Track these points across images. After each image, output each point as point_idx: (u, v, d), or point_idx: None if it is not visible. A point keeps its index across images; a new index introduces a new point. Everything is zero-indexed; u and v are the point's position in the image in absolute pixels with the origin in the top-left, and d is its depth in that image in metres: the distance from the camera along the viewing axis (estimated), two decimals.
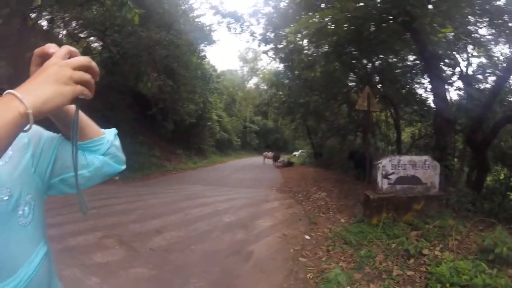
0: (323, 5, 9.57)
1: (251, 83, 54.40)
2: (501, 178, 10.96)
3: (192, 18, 19.35)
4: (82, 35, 16.79)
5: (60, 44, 0.77)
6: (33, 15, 12.15)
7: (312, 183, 13.44)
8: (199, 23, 19.88)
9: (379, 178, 6.58)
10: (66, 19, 15.07)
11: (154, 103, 17.34)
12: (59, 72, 0.67)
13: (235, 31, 13.46)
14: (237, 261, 4.81)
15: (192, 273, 4.25)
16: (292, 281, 4.22)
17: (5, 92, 0.62)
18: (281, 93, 18.41)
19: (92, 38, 17.34)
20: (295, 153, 29.58)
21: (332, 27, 8.70)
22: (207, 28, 20.25)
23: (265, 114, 41.65)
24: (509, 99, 11.15)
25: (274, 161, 26.47)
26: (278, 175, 18.31)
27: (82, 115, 0.92)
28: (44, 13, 13.42)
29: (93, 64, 0.75)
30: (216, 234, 6.07)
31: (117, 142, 1.05)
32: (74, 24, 15.90)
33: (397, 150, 14.07)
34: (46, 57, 0.73)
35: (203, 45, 21.61)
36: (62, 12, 13.85)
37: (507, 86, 10.74)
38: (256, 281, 4.18)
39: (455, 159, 12.16)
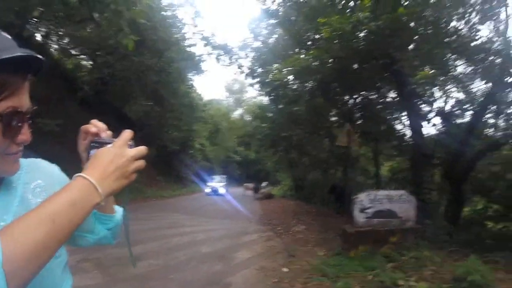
0: (309, 42, 10.08)
1: (236, 114, 55.06)
2: (478, 208, 11.28)
3: (184, 47, 19.85)
4: (74, 52, 16.90)
5: (51, 57, 0.87)
6: (29, 27, 12.26)
7: (292, 216, 13.46)
8: (190, 52, 20.38)
9: (356, 212, 6.79)
10: (61, 33, 15.22)
11: (139, 127, 17.38)
12: (127, 166, 0.76)
13: (224, 62, 13.92)
14: None
15: None
16: None
17: (82, 176, 0.69)
18: (265, 125, 18.72)
19: (83, 56, 17.47)
20: (263, 183, 29.61)
21: (317, 65, 9.13)
22: (197, 58, 20.75)
23: (248, 145, 41.87)
24: (486, 133, 11.65)
25: (255, 193, 26.41)
26: (258, 207, 18.22)
27: None
28: (40, 28, 13.57)
29: (146, 151, 0.82)
30: (194, 264, 6.03)
31: (122, 221, 1.13)
32: (67, 40, 16.05)
33: (376, 184, 14.37)
34: (89, 133, 0.84)
35: (192, 74, 22.05)
36: (58, 26, 14.02)
37: (484, 121, 11.32)
38: None
39: (434, 192, 12.55)
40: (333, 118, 15.51)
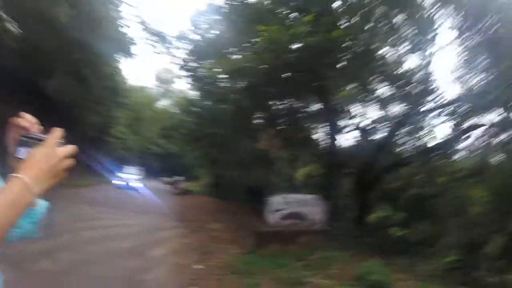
0: (246, 45, 10.28)
1: (162, 104, 52.96)
2: (384, 215, 12.60)
3: (117, 26, 18.58)
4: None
5: None
6: None
7: (209, 213, 13.56)
8: (123, 33, 19.15)
9: (269, 213, 7.23)
10: None
11: (58, 109, 15.81)
12: (59, 165, 0.81)
13: (158, 50, 13.39)
14: None
15: None
16: None
17: (19, 178, 0.74)
18: (190, 120, 18.43)
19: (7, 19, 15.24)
20: (179, 178, 28.68)
21: (249, 69, 9.37)
22: (129, 40, 19.57)
23: (170, 138, 40.50)
24: (396, 150, 12.96)
25: (173, 187, 25.78)
26: (175, 202, 17.96)
27: None
28: None
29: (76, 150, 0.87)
30: (110, 259, 5.84)
31: (45, 214, 1.13)
32: None
33: (292, 187, 15.14)
34: (19, 127, 0.84)
35: (120, 55, 20.71)
36: None
37: (395, 139, 12.68)
38: None
39: (344, 198, 13.70)
40: (258, 121, 15.98)
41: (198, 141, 19.03)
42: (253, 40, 9.65)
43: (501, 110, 8.98)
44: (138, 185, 23.31)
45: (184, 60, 13.15)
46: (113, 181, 23.22)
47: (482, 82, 9.60)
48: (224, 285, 5.25)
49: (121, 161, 30.21)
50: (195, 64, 12.96)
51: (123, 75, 28.30)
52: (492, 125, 9.83)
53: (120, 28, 19.21)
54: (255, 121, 15.19)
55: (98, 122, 20.97)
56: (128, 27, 19.40)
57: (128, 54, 21.03)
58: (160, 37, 13.08)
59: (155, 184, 30.70)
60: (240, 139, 16.56)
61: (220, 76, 10.79)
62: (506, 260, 7.12)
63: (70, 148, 0.85)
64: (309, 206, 7.59)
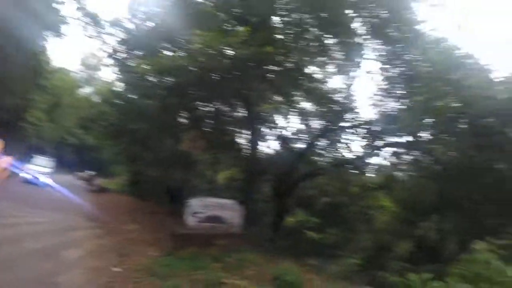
0: (181, 43, 10.18)
1: (84, 91, 49.06)
2: (300, 220, 13.33)
3: (50, 1, 16.80)
4: None
5: None
6: None
7: (126, 213, 13.03)
8: (56, 10, 17.38)
9: (188, 216, 7.36)
10: None
11: None
12: None
13: (89, 33, 12.51)
14: None
15: None
16: None
17: None
18: (112, 112, 17.35)
19: None
20: (92, 173, 27.00)
21: (179, 69, 9.31)
22: (61, 18, 17.81)
23: (88, 129, 37.34)
24: (313, 160, 13.77)
25: (88, 184, 24.16)
26: (90, 200, 16.82)
27: None
28: None
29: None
30: (20, 261, 5.40)
31: None
32: None
33: (212, 189, 15.25)
34: None
35: (48, 34, 18.77)
36: None
37: (314, 150, 13.49)
38: None
39: (262, 203, 14.19)
40: (183, 121, 15.76)
41: (119, 136, 18.00)
42: (188, 39, 9.63)
43: (407, 135, 10.11)
44: (47, 180, 20.95)
45: (114, 48, 12.50)
46: (20, 174, 20.69)
47: (395, 110, 10.84)
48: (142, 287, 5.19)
49: (33, 151, 27.24)
50: (124, 55, 12.41)
51: (48, 55, 25.63)
52: (400, 147, 11.06)
53: (53, 4, 17.46)
54: (180, 121, 15.01)
55: (13, 105, 18.71)
56: (63, 3, 17.71)
57: (57, 33, 19.17)
58: (94, 19, 12.28)
59: (69, 179, 28.29)
60: (164, 137, 16.19)
61: (149, 71, 10.49)
62: (410, 262, 8.13)
63: (8, 160, 0.87)
64: (228, 210, 7.83)
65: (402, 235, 10.52)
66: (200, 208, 7.52)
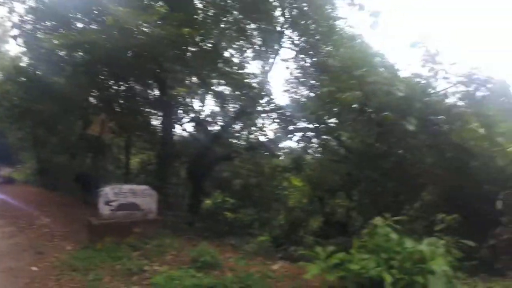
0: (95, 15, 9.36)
1: None
2: (218, 201, 13.57)
3: None
4: None
5: None
6: None
7: (36, 206, 11.80)
8: None
9: (101, 205, 7.09)
10: None
11: None
12: None
13: None
14: None
15: None
16: None
17: None
18: (16, 91, 15.11)
19: None
20: None
21: (92, 44, 8.63)
22: None
23: None
24: (228, 143, 14.04)
25: None
26: None
27: None
28: None
29: None
30: None
31: None
32: None
33: (126, 175, 14.59)
34: None
35: None
36: None
37: (229, 133, 13.69)
38: None
39: (179, 186, 14.05)
40: (93, 100, 14.58)
41: (23, 118, 15.95)
42: (103, 12, 8.95)
43: (316, 122, 10.95)
44: None
45: (20, 18, 10.89)
46: None
47: (305, 97, 11.63)
48: (64, 285, 5.00)
49: None
50: (32, 25, 10.93)
51: None
52: (309, 131, 11.93)
53: None
54: (91, 102, 13.91)
55: None
56: None
57: None
58: None
59: None
60: (72, 120, 14.89)
61: (59, 45, 9.46)
62: (321, 236, 8.97)
63: None
64: (142, 196, 7.64)
65: (313, 212, 11.60)
66: (113, 196, 7.21)
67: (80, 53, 10.12)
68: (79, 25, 10.35)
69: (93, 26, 9.89)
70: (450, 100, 8.23)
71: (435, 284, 3.82)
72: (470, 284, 4.98)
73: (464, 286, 4.73)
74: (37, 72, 12.99)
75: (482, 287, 5.05)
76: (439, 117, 7.49)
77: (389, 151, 8.45)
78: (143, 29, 8.74)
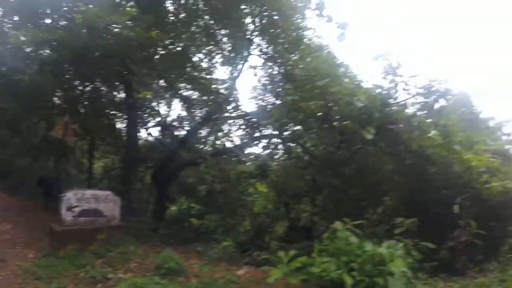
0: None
1: None
2: (183, 208, 13.42)
3: None
4: None
5: None
6: None
7: None
8: None
9: (64, 211, 6.95)
10: None
11: None
12: None
13: None
14: None
15: None
16: None
17: None
18: None
19: None
20: None
21: (59, 42, 8.40)
22: None
23: None
24: (194, 148, 14.01)
25: None
26: None
27: None
28: None
29: None
30: None
31: None
32: None
33: (89, 179, 14.15)
34: None
35: None
36: None
37: (195, 138, 13.63)
38: None
39: (143, 192, 13.74)
40: (57, 100, 14.04)
41: None
42: (72, 10, 8.74)
43: (281, 129, 11.17)
44: None
45: None
46: None
47: (271, 105, 11.86)
48: None
49: None
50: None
51: None
52: (274, 138, 12.15)
53: None
54: (53, 102, 13.38)
55: None
56: None
57: None
58: None
59: None
60: (35, 121, 14.25)
61: (25, 41, 9.12)
62: (286, 241, 9.12)
63: None
64: (105, 202, 7.49)
65: (278, 218, 11.77)
66: (76, 201, 7.03)
67: (47, 51, 9.82)
68: (48, 21, 10.05)
69: (62, 23, 9.68)
70: (410, 110, 8.70)
71: (394, 285, 4.07)
72: (431, 284, 5.31)
73: (425, 286, 5.06)
74: (1, 69, 12.35)
75: (442, 286, 5.40)
76: (399, 126, 7.87)
77: (350, 158, 8.77)
78: (112, 29, 8.65)
